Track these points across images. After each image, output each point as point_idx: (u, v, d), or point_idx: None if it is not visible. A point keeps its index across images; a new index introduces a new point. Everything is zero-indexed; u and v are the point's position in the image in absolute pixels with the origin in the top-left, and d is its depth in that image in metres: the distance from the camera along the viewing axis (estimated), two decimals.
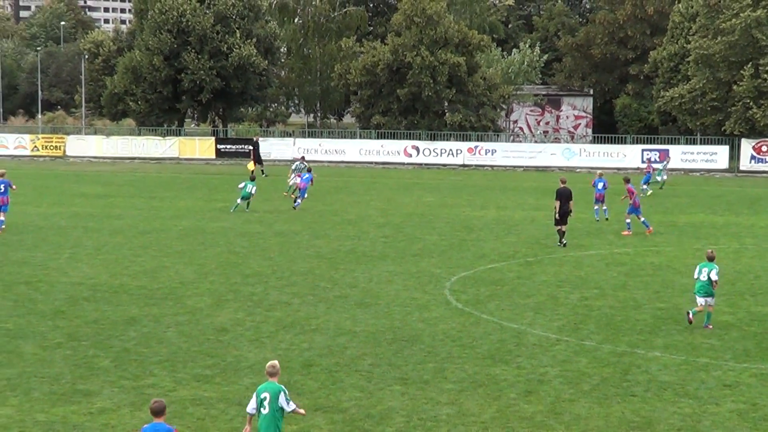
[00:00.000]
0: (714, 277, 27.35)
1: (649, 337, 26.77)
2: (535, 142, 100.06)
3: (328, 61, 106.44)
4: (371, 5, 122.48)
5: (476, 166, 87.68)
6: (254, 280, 33.73)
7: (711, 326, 27.76)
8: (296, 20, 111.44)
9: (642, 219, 45.74)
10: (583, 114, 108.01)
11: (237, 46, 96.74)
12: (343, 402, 21.02)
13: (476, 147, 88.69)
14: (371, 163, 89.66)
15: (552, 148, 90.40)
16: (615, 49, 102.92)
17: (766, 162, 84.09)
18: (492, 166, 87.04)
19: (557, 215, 41.70)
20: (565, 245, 41.32)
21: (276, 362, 16.94)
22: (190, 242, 41.82)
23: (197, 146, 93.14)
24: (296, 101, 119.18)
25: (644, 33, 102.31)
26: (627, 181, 46.82)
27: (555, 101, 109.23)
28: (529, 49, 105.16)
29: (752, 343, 26.30)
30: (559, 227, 41.91)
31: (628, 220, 45.91)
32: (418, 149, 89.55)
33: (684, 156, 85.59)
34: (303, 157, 66.02)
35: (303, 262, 37.26)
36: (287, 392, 16.60)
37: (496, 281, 34.39)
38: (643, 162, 73.91)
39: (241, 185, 51.89)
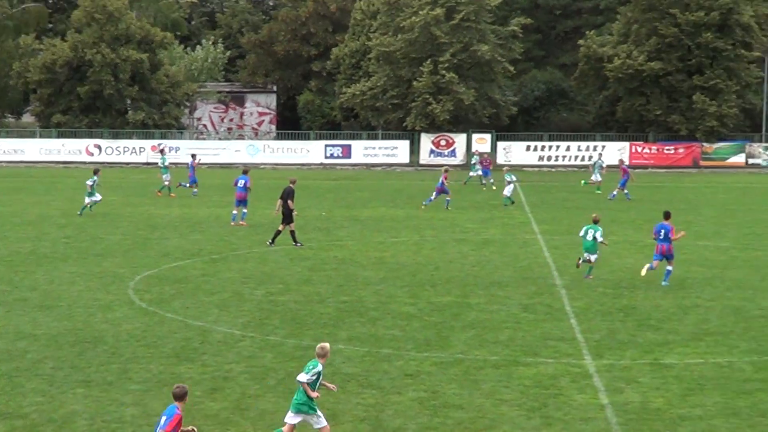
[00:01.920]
0: (599, 237, 33.60)
1: (333, 330, 27.09)
2: (220, 139, 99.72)
3: (6, 59, 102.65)
4: (50, 1, 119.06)
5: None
6: None
7: (591, 277, 33.94)
8: None
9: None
10: (267, 110, 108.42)
11: None
12: (23, 407, 20.31)
13: (159, 144, 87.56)
14: (52, 162, 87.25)
15: (236, 145, 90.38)
16: (298, 45, 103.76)
17: (444, 156, 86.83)
18: (176, 164, 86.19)
19: (281, 213, 41.13)
20: (272, 244, 41.08)
21: (326, 344, 18.22)
22: None
23: None
24: None
25: (326, 30, 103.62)
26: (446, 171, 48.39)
27: (239, 98, 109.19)
28: (212, 46, 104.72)
29: (433, 332, 27.00)
30: (282, 226, 41.41)
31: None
32: (100, 148, 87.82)
33: (366, 151, 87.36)
34: None
35: None
36: (314, 371, 17.77)
37: (180, 279, 34.06)
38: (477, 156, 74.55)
39: None
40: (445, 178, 54.76)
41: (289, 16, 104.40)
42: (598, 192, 62.21)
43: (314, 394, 17.97)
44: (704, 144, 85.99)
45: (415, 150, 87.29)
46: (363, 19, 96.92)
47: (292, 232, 41.17)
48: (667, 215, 33.98)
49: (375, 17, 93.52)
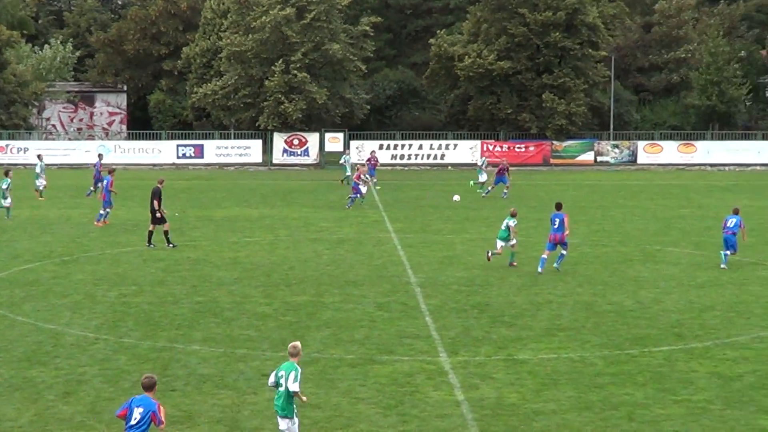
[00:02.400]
0: (512, 224, 35.87)
1: (188, 332, 26.85)
2: (69, 139, 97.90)
3: None
4: None
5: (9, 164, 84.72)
6: None
7: (516, 264, 36.29)
8: None
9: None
10: (118, 110, 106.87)
11: None
12: None
13: (8, 146, 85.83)
14: None
15: (86, 145, 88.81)
16: (148, 44, 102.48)
17: (297, 155, 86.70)
18: (24, 165, 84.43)
19: (155, 214, 40.60)
20: (152, 246, 40.49)
21: (297, 343, 18.19)
22: None
23: None
24: None
25: (177, 29, 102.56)
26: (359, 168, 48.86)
27: (88, 98, 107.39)
28: (60, 45, 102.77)
29: (288, 332, 26.93)
30: (152, 226, 40.79)
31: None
32: None
33: (218, 151, 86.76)
34: None
35: None
36: (299, 374, 17.45)
37: (31, 282, 33.37)
38: (347, 156, 73.70)
39: None
40: (358, 178, 55.66)
41: (138, 15, 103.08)
42: (480, 191, 62.49)
43: (304, 399, 17.93)
44: (554, 142, 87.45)
45: (268, 149, 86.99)
46: (213, 18, 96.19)
47: (166, 233, 40.78)
48: (558, 206, 35.96)
49: (226, 16, 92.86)
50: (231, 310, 29.49)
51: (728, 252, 37.03)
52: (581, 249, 41.05)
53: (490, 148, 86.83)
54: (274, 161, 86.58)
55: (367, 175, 57.03)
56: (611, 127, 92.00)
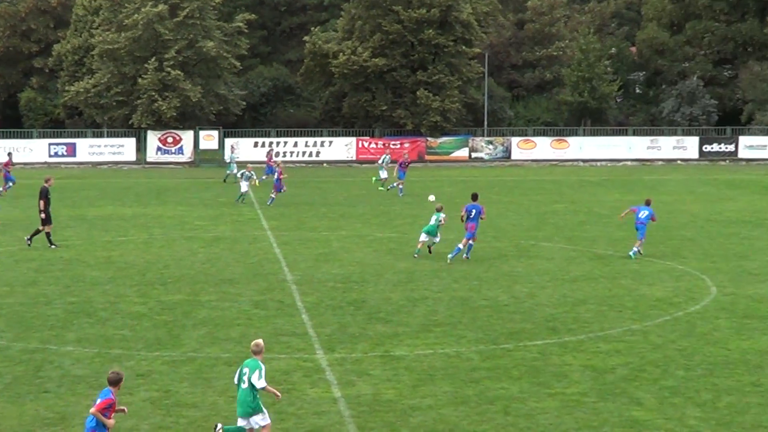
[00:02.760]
0: (442, 219, 37.42)
1: (61, 332, 26.44)
2: None
3: None
4: None
5: None
6: None
7: (434, 253, 37.40)
8: None
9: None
10: None
11: None
12: None
13: None
14: None
15: None
16: (18, 42, 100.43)
17: (171, 153, 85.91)
18: None
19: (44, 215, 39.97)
20: (29, 246, 39.76)
21: (260, 341, 18.42)
22: None
23: None
24: None
25: (48, 26, 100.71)
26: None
27: None
28: None
29: (163, 331, 26.70)
30: (45, 227, 40.12)
31: None
32: None
33: (91, 149, 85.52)
34: None
35: None
36: (263, 371, 17.64)
37: None
38: (233, 155, 72.60)
39: None
40: (280, 173, 55.49)
41: (7, 12, 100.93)
42: (381, 189, 62.43)
43: (278, 395, 18.42)
44: (429, 138, 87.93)
45: (141, 147, 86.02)
46: (85, 15, 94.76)
47: (46, 234, 40.09)
48: (474, 197, 38.53)
49: (97, 13, 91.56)
50: (105, 310, 29.13)
51: (639, 244, 38.42)
52: (455, 245, 41.33)
53: (366, 144, 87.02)
54: (148, 159, 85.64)
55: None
56: (485, 123, 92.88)
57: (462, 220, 37.89)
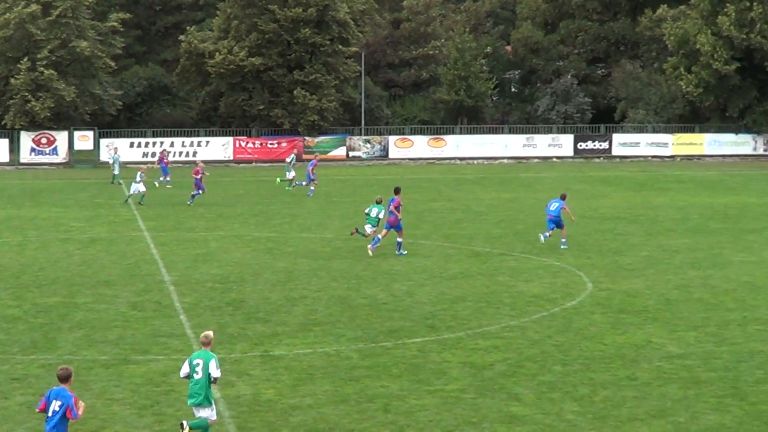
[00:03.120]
0: (381, 215, 38.44)
1: None
2: None
3: None
4: None
5: None
6: None
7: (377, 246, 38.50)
8: None
9: None
10: None
11: None
12: None
13: None
14: None
15: None
16: None
17: (46, 154, 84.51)
18: None
19: None
20: None
21: (210, 332, 18.73)
22: None
23: None
24: None
25: None
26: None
27: None
28: None
29: (39, 334, 26.28)
30: None
31: None
32: None
33: None
34: None
35: None
36: (218, 361, 18.11)
37: None
38: (116, 155, 71.05)
39: None
40: (196, 173, 55.27)
41: None
42: (289, 189, 62.02)
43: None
44: (306, 138, 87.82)
45: (15, 149, 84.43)
46: None
47: None
48: (396, 190, 39.71)
49: None
50: None
51: (549, 233, 40.04)
52: (334, 244, 41.42)
53: (243, 144, 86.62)
54: (22, 160, 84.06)
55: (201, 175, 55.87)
56: (362, 122, 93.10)
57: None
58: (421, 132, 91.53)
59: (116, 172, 67.32)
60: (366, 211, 39.39)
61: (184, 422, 18.28)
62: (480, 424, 19.88)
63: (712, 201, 57.13)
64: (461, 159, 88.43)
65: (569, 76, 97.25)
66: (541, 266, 36.51)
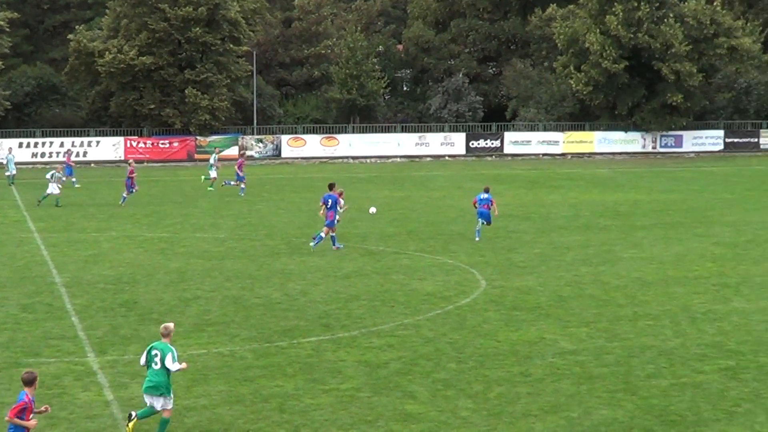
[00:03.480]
0: (339, 208, 40.03)
1: None
2: None
3: None
4: None
5: None
6: None
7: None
8: None
9: None
10: None
11: None
12: None
13: None
14: None
15: None
16: None
17: None
18: None
19: None
20: None
21: (170, 324, 19.26)
22: None
23: None
24: None
25: None
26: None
27: None
28: None
29: None
30: None
31: None
32: None
33: None
34: None
35: None
36: (175, 354, 18.56)
37: None
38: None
39: None
40: (131, 173, 54.73)
41: None
42: (211, 189, 61.30)
43: (184, 365, 19.02)
44: (198, 137, 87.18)
45: None
46: None
47: None
48: (331, 186, 40.23)
49: None
50: None
51: (481, 224, 41.88)
52: (228, 244, 41.22)
53: (134, 144, 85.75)
54: None
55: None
56: (255, 121, 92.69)
57: (321, 212, 39.98)
58: (314, 131, 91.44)
59: (13, 173, 66.14)
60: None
61: (132, 412, 18.83)
62: (375, 422, 19.92)
63: (602, 198, 57.94)
64: (354, 158, 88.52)
65: (461, 75, 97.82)
66: (434, 264, 36.70)
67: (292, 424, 19.76)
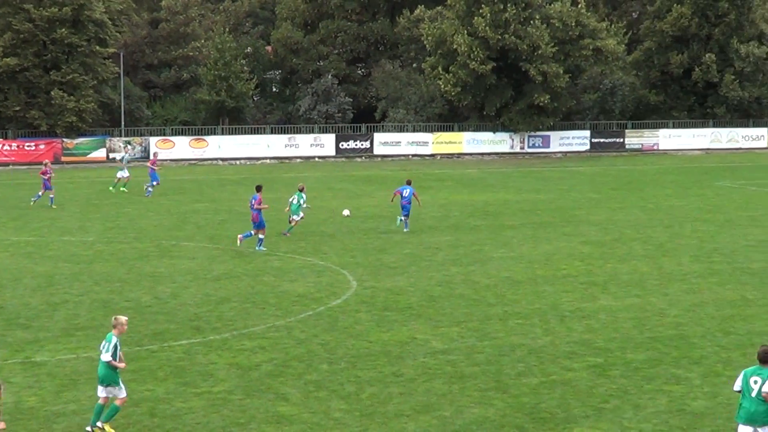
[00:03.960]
0: (303, 203, 42.96)
1: None
2: None
3: None
4: None
5: None
6: None
7: (289, 234, 42.66)
8: None
9: None
10: None
11: None
12: None
13: None
14: None
15: None
16: None
17: None
18: None
19: None
20: None
21: (121, 317, 19.68)
22: None
23: None
24: None
25: None
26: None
27: None
28: None
29: None
30: None
31: None
32: None
33: None
34: None
35: None
36: (111, 345, 19.04)
37: None
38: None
39: None
40: (44, 173, 53.90)
41: None
42: (123, 189, 60.07)
43: (122, 365, 19.34)
44: (65, 140, 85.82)
45: None
46: None
47: None
48: (258, 188, 40.61)
49: None
50: None
51: (404, 216, 44.34)
52: (96, 247, 40.66)
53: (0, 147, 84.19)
54: None
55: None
56: (122, 123, 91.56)
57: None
58: (183, 133, 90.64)
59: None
60: (290, 199, 43.48)
61: (99, 423, 19.03)
62: (248, 425, 19.85)
63: (471, 198, 58.50)
64: (223, 159, 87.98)
65: (330, 76, 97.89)
66: (305, 266, 36.69)
67: (163, 428, 19.59)
